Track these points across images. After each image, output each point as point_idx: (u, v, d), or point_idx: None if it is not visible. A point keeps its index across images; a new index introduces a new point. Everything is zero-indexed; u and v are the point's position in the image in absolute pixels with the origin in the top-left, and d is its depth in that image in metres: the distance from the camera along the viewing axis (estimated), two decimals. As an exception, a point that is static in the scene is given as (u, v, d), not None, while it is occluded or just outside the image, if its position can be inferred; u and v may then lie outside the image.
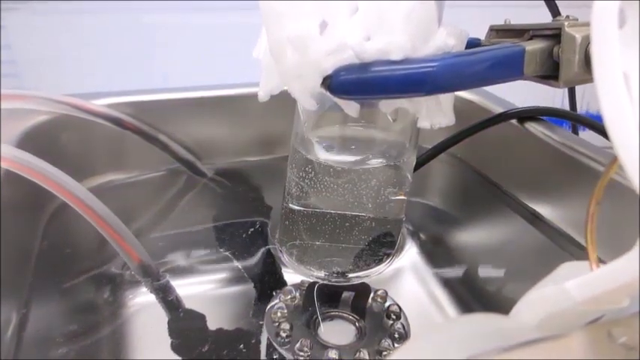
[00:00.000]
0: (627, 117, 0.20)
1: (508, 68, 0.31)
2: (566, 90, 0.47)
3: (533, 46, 0.32)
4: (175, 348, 0.36)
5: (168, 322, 0.38)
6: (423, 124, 0.32)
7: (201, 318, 0.38)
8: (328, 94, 0.29)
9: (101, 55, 0.77)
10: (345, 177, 0.33)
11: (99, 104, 0.43)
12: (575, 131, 0.52)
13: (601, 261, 0.23)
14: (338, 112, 0.31)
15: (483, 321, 0.22)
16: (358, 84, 0.28)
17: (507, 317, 0.23)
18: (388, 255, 0.37)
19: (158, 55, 0.79)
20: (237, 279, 0.44)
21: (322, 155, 0.34)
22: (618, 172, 0.22)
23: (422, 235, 0.51)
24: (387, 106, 0.31)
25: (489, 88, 0.50)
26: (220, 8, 0.76)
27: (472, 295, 0.44)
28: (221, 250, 0.46)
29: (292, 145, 0.35)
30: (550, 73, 0.33)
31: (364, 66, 0.28)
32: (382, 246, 0.36)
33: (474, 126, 0.44)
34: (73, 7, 0.75)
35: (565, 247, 0.40)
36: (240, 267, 0.44)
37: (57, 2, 0.74)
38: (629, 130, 0.20)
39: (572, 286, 0.22)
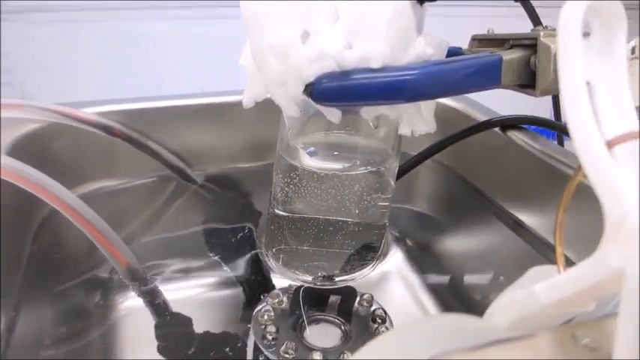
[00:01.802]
0: (589, 125, 0.21)
1: (486, 77, 0.32)
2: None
3: (510, 56, 0.33)
4: (162, 350, 0.36)
5: (155, 326, 0.38)
6: (404, 130, 0.33)
7: (188, 321, 0.39)
8: (310, 101, 0.29)
9: (97, 64, 0.78)
10: (328, 183, 0.34)
11: (89, 112, 0.43)
12: (561, 141, 0.52)
13: (571, 265, 0.24)
14: (321, 119, 0.32)
15: (455, 321, 0.23)
16: (339, 91, 0.29)
17: (480, 318, 0.24)
18: (372, 259, 0.38)
19: (153, 64, 0.80)
20: (225, 283, 0.44)
21: (306, 161, 0.34)
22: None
23: (408, 241, 0.51)
24: (369, 112, 0.32)
25: (473, 96, 0.51)
26: (214, 17, 0.77)
27: (457, 300, 0.45)
28: (210, 255, 0.46)
29: (278, 151, 0.36)
30: (527, 82, 0.34)
31: (345, 74, 0.28)
32: (366, 250, 0.37)
33: (458, 134, 0.44)
34: (70, 17, 0.76)
35: (546, 255, 0.41)
36: (229, 271, 0.45)
37: (54, 13, 0.75)
38: (590, 138, 0.21)
39: (540, 290, 0.23)
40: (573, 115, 0.22)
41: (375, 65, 0.28)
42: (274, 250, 0.38)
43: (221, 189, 0.50)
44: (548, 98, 0.49)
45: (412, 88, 0.29)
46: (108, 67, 0.79)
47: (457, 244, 0.50)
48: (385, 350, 0.19)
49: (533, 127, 0.46)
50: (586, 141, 0.21)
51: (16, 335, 0.32)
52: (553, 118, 0.49)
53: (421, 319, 0.38)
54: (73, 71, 0.78)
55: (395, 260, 0.49)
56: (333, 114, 0.31)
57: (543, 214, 0.42)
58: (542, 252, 0.41)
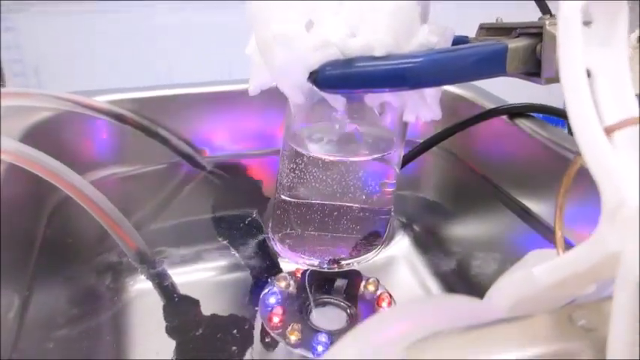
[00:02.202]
0: (588, 111, 0.21)
1: (491, 65, 0.32)
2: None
3: (516, 44, 0.33)
4: (170, 331, 0.37)
5: (164, 307, 0.40)
6: (409, 117, 0.33)
7: (196, 303, 0.40)
8: (315, 88, 0.30)
9: (108, 54, 0.79)
10: (333, 169, 0.35)
11: (100, 100, 0.44)
12: (570, 129, 0.52)
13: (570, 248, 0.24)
14: (326, 107, 0.33)
15: (454, 301, 0.23)
16: (343, 78, 0.29)
17: (479, 300, 0.25)
18: (377, 244, 0.38)
19: (163, 53, 0.81)
20: (233, 267, 0.45)
21: (311, 148, 0.35)
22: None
23: (415, 227, 0.52)
24: (373, 100, 0.32)
25: (480, 84, 0.51)
26: (223, 7, 0.77)
27: (462, 285, 0.46)
28: (219, 239, 0.47)
29: (283, 138, 0.37)
30: (533, 71, 0.34)
31: (349, 61, 0.29)
32: (371, 235, 0.38)
33: (465, 121, 0.45)
34: (83, 8, 0.77)
35: (552, 240, 0.41)
36: (236, 256, 0.46)
37: (66, 2, 0.76)
38: (589, 124, 0.21)
39: (538, 272, 0.23)
40: (573, 101, 0.22)
41: (378, 53, 0.29)
42: (281, 234, 0.38)
43: (229, 175, 0.50)
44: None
45: (415, 75, 0.29)
46: (119, 56, 0.79)
47: (464, 230, 0.50)
48: (384, 326, 0.20)
49: (541, 115, 0.46)
50: (584, 127, 0.21)
51: (30, 314, 0.33)
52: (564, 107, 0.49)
53: (421, 298, 0.39)
54: (85, 61, 0.79)
55: (401, 245, 0.50)
56: (337, 101, 0.31)
57: (550, 202, 0.42)
58: (549, 239, 0.41)
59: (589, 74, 0.23)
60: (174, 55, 0.81)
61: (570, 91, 0.22)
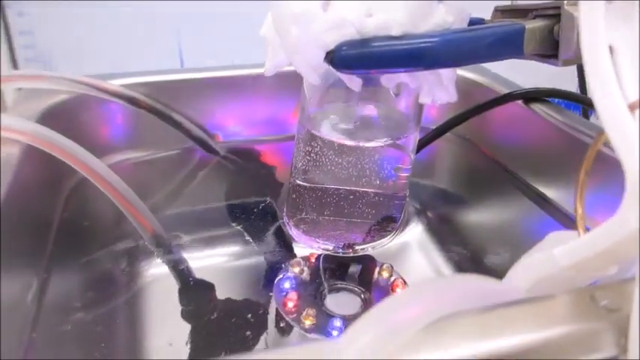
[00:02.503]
0: (611, 88, 0.21)
1: (508, 46, 0.32)
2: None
3: (533, 25, 0.32)
4: (185, 315, 0.38)
5: (179, 291, 0.40)
6: (425, 99, 0.33)
7: (211, 287, 0.40)
8: (331, 68, 0.30)
9: (122, 40, 0.79)
10: (348, 153, 0.34)
11: (115, 84, 0.44)
12: (586, 114, 0.52)
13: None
14: (342, 89, 0.32)
15: (473, 281, 0.23)
16: (359, 58, 0.29)
17: (498, 280, 0.24)
18: (392, 230, 0.38)
19: (175, 38, 0.81)
20: (248, 253, 0.45)
21: (326, 131, 0.35)
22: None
23: (429, 213, 0.51)
24: (389, 80, 0.32)
25: (494, 68, 0.50)
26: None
27: (477, 271, 0.45)
28: (233, 224, 0.47)
29: (299, 121, 0.37)
30: (550, 52, 0.33)
31: (365, 41, 0.29)
32: (386, 221, 0.38)
33: (479, 106, 0.44)
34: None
35: (568, 227, 0.41)
36: (251, 241, 0.46)
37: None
38: (612, 101, 0.21)
39: (558, 253, 0.23)
40: (595, 78, 0.21)
41: (395, 33, 0.28)
42: (295, 219, 0.38)
43: (243, 160, 0.50)
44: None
45: (432, 55, 0.29)
46: (132, 41, 0.79)
47: (479, 217, 0.50)
48: (401, 307, 0.20)
49: (556, 100, 0.45)
50: (608, 103, 0.21)
51: (48, 297, 0.33)
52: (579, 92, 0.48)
53: (439, 278, 0.38)
54: (98, 47, 0.79)
55: (415, 232, 0.49)
56: (353, 82, 0.31)
57: (567, 188, 0.42)
58: (567, 225, 0.41)
59: (611, 51, 0.22)
60: (189, 40, 0.81)
61: (592, 67, 0.22)
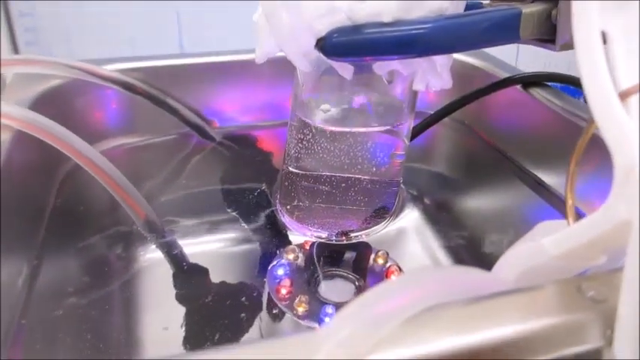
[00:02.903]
0: (601, 75, 0.21)
1: (504, 31, 0.31)
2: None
3: (531, 9, 0.32)
4: (180, 298, 0.38)
5: (173, 275, 0.40)
6: (418, 86, 0.33)
7: (205, 272, 0.40)
8: (322, 56, 0.29)
9: (124, 24, 0.78)
10: (341, 140, 0.34)
11: (110, 69, 0.44)
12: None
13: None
14: (335, 76, 0.32)
15: (461, 272, 0.23)
16: (350, 45, 0.29)
17: (487, 271, 0.24)
18: (386, 217, 0.38)
19: (173, 23, 0.80)
20: (243, 239, 0.45)
21: (319, 118, 0.34)
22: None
23: (425, 200, 0.51)
24: (382, 68, 0.32)
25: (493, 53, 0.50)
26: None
27: (473, 259, 0.45)
28: (228, 211, 0.47)
29: (291, 108, 0.36)
30: (548, 37, 0.33)
31: (356, 28, 0.28)
32: (380, 208, 0.37)
33: (478, 91, 0.44)
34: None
35: (565, 212, 0.40)
36: (246, 227, 0.46)
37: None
38: (602, 88, 0.20)
39: (548, 242, 0.23)
40: (586, 64, 0.21)
41: (386, 19, 0.28)
42: (289, 206, 0.38)
43: (239, 147, 0.50)
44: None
45: (424, 42, 0.28)
46: (131, 25, 0.79)
47: (475, 203, 0.49)
48: (387, 296, 0.20)
49: (557, 85, 0.45)
50: (598, 90, 0.21)
51: (40, 282, 0.33)
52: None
53: (426, 269, 0.38)
54: (99, 31, 0.78)
55: (411, 218, 0.49)
56: (345, 69, 0.31)
57: (565, 173, 0.41)
58: (563, 211, 0.41)
59: (604, 39, 0.22)
60: (190, 25, 0.80)
61: (584, 55, 0.21)
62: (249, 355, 0.18)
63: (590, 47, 0.21)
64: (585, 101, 0.48)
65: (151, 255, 0.42)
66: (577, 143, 0.25)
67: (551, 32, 0.33)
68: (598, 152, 0.35)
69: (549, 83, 0.44)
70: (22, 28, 0.76)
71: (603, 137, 0.20)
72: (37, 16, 0.76)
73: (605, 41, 0.22)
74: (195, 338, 0.36)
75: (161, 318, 0.37)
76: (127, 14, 0.77)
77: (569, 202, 0.24)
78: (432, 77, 0.32)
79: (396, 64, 0.31)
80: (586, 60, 0.21)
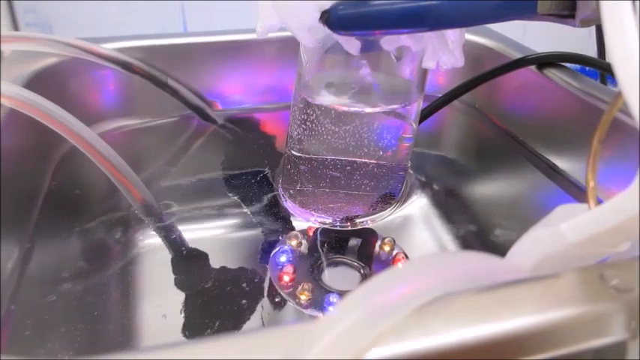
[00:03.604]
0: (632, 46, 0.19)
1: (520, 5, 0.30)
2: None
3: (549, -19, 0.30)
4: (179, 284, 0.36)
5: (172, 260, 0.39)
6: (428, 64, 0.31)
7: (205, 257, 0.39)
8: (327, 30, 0.28)
9: (124, 4, 0.77)
10: (346, 120, 0.32)
11: (109, 48, 0.42)
12: (604, 80, 0.49)
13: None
14: (340, 54, 0.31)
15: (474, 259, 0.21)
16: (357, 18, 0.27)
17: (501, 258, 0.23)
18: (392, 202, 0.37)
19: (180, 4, 0.78)
20: (245, 224, 0.44)
21: (323, 98, 0.33)
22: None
23: (434, 186, 0.50)
24: (390, 43, 0.30)
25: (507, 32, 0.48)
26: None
27: (483, 247, 0.44)
28: (230, 195, 0.46)
29: (295, 87, 0.35)
30: (567, 12, 0.31)
31: (363, -1, 0.27)
32: (386, 193, 0.36)
33: (489, 72, 0.42)
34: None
35: (581, 200, 0.39)
36: (248, 212, 0.44)
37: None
38: (632, 61, 0.19)
39: (566, 228, 0.21)
40: (614, 36, 0.19)
41: (395, -10, 0.26)
42: (291, 191, 0.37)
43: (242, 130, 0.49)
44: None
45: (436, 14, 0.27)
46: (136, 5, 0.77)
47: (486, 190, 0.48)
48: (393, 284, 0.18)
49: (573, 65, 0.43)
50: (627, 64, 0.19)
51: (33, 266, 0.32)
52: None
53: (438, 254, 0.37)
54: (99, 10, 0.77)
55: (419, 205, 0.48)
56: (351, 44, 0.29)
57: (581, 159, 0.40)
58: (578, 198, 0.39)
59: (635, 8, 0.20)
60: (193, 4, 0.79)
61: (612, 24, 0.19)
62: (246, 343, 0.17)
63: (619, 16, 0.19)
64: (603, 82, 0.46)
65: (150, 240, 0.41)
66: (601, 119, 0.23)
67: (570, 7, 0.31)
68: (618, 135, 0.33)
69: (565, 64, 0.42)
70: (23, 10, 0.74)
71: (633, 117, 0.19)
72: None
73: (634, 11, 0.20)
74: (194, 325, 0.35)
75: (160, 305, 0.36)
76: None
77: (591, 183, 0.22)
78: (443, 54, 0.31)
79: (405, 40, 0.30)
80: (614, 32, 0.19)
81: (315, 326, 0.16)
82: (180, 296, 0.36)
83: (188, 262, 0.39)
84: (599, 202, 0.23)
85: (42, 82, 0.40)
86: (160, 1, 0.76)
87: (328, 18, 0.27)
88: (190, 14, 0.78)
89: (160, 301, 0.36)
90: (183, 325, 0.35)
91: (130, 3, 0.76)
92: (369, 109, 0.33)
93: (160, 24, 0.77)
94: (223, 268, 0.38)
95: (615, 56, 0.19)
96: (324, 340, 0.16)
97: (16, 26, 0.75)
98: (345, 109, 0.33)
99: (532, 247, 0.23)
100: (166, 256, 0.40)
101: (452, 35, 0.31)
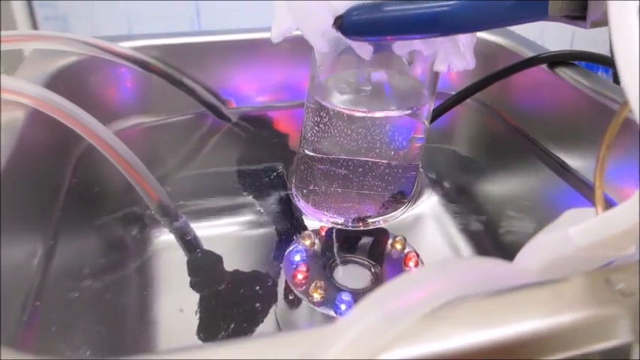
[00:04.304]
0: (637, 55, 0.19)
1: (531, 8, 0.30)
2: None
3: (560, -16, 0.30)
4: (194, 285, 0.37)
5: (187, 261, 0.39)
6: (440, 67, 0.31)
7: (219, 259, 0.40)
8: (341, 35, 0.28)
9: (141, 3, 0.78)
10: (358, 123, 0.33)
11: (126, 47, 0.43)
12: (617, 79, 0.49)
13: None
14: (353, 57, 0.31)
15: (483, 264, 0.22)
16: (370, 24, 0.27)
17: (509, 262, 0.23)
18: (404, 202, 0.37)
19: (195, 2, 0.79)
20: (258, 223, 0.45)
21: (336, 100, 0.33)
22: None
23: (445, 184, 0.50)
24: (402, 48, 0.31)
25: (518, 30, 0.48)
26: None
27: (494, 246, 0.44)
28: (244, 194, 0.47)
29: (308, 89, 0.35)
30: (578, 13, 0.31)
31: (377, 5, 0.27)
32: (398, 192, 0.36)
33: (502, 71, 0.42)
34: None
35: (592, 199, 0.39)
36: (262, 211, 0.45)
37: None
38: (638, 66, 0.19)
39: (574, 232, 0.21)
40: (621, 42, 0.20)
41: (407, -4, 0.27)
42: (304, 191, 0.37)
43: (255, 128, 0.49)
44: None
45: (448, 20, 0.27)
46: (149, 4, 0.78)
47: (497, 188, 0.48)
48: (406, 290, 0.19)
49: (584, 63, 0.43)
50: (633, 70, 0.19)
51: (56, 263, 0.33)
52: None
53: (448, 260, 0.37)
54: (118, 6, 0.77)
55: (430, 203, 0.48)
56: (364, 49, 0.30)
57: (592, 157, 0.40)
58: (590, 197, 0.39)
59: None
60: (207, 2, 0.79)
61: (619, 31, 0.20)
62: (263, 348, 0.17)
63: (626, 23, 0.20)
64: (615, 81, 0.47)
65: (166, 237, 0.42)
66: (608, 126, 0.23)
67: (581, 8, 0.31)
68: (629, 136, 0.33)
69: (577, 62, 0.42)
70: (40, 3, 0.75)
71: (635, 116, 0.19)
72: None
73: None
74: (211, 324, 0.36)
75: (176, 303, 0.37)
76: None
77: (598, 190, 0.23)
78: (454, 57, 0.31)
79: (417, 44, 0.30)
80: (621, 37, 0.20)
81: (330, 330, 0.17)
82: (196, 297, 0.37)
83: (203, 263, 0.39)
84: (608, 201, 0.23)
85: (63, 80, 0.41)
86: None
87: (342, 24, 0.28)
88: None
89: (177, 300, 0.37)
90: (199, 326, 0.36)
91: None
92: (381, 112, 0.33)
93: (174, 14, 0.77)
94: (237, 269, 0.39)
95: (621, 66, 0.19)
96: (339, 344, 0.17)
97: (33, 19, 0.76)
98: (357, 111, 0.33)
99: (540, 251, 0.23)
100: (182, 254, 0.41)
101: (463, 38, 0.31)
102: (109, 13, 0.76)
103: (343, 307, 0.35)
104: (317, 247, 0.40)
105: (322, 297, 0.35)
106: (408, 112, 0.34)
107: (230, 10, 0.76)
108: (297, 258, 0.39)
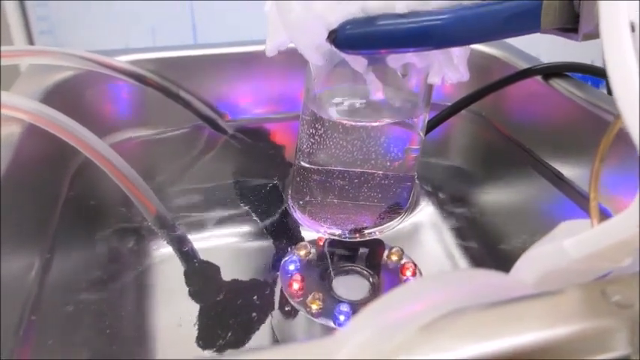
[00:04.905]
0: (630, 68, 0.19)
1: (524, 21, 0.30)
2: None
3: (552, -3, 0.30)
4: (192, 295, 0.37)
5: (185, 273, 0.39)
6: (434, 79, 0.32)
7: (216, 269, 0.40)
8: (335, 49, 0.28)
9: (134, 13, 0.78)
10: (354, 134, 0.33)
11: (122, 60, 0.43)
12: (610, 90, 0.49)
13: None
14: (347, 69, 0.31)
15: (479, 276, 0.22)
16: (364, 38, 0.28)
17: (505, 274, 0.23)
18: (400, 213, 0.37)
19: (186, 14, 0.79)
20: (255, 234, 0.45)
21: (331, 112, 0.34)
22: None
23: (441, 195, 0.50)
24: (396, 61, 0.31)
25: (513, 42, 0.48)
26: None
27: (490, 256, 0.44)
28: (240, 205, 0.47)
29: (303, 101, 0.35)
30: (570, 26, 0.31)
31: (370, 19, 0.27)
32: (394, 203, 0.36)
33: (496, 82, 0.43)
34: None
35: (585, 208, 0.39)
36: (258, 222, 0.45)
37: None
38: (630, 82, 0.19)
39: (569, 244, 0.22)
40: (613, 57, 0.20)
41: (400, 10, 0.27)
42: (301, 202, 0.38)
43: (252, 140, 0.49)
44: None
45: (441, 34, 0.27)
46: (144, 15, 0.78)
47: (493, 198, 0.48)
48: (402, 302, 0.19)
49: (579, 75, 0.43)
50: (625, 84, 0.19)
51: (52, 277, 0.33)
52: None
53: (444, 272, 0.37)
54: (114, 21, 0.78)
55: (426, 214, 0.48)
56: (358, 62, 0.30)
57: (587, 168, 0.40)
58: (583, 206, 0.40)
59: (633, 29, 0.21)
60: (204, 16, 0.80)
61: (611, 46, 0.20)
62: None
63: (618, 38, 0.20)
64: (609, 93, 0.47)
65: (164, 250, 0.42)
66: (602, 139, 0.23)
67: (573, 21, 0.31)
68: (624, 145, 0.34)
69: (571, 74, 0.43)
70: (36, 17, 0.75)
71: (629, 132, 0.19)
72: (51, 5, 0.76)
73: (632, 31, 0.21)
74: (209, 335, 0.35)
75: (174, 315, 0.37)
76: (143, 5, 0.77)
77: (593, 202, 0.23)
78: (448, 70, 0.31)
79: (410, 57, 0.30)
80: (613, 52, 0.20)
81: (329, 341, 0.17)
82: (195, 307, 0.37)
83: (200, 274, 0.39)
84: (603, 211, 0.23)
85: (59, 95, 0.41)
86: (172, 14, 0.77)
87: (336, 37, 0.28)
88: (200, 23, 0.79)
89: (175, 312, 0.37)
90: (197, 336, 0.36)
91: (144, 10, 0.77)
92: (375, 123, 0.34)
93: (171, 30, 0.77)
94: (234, 280, 0.39)
95: (614, 81, 0.20)
96: (338, 355, 0.17)
97: (29, 34, 0.76)
98: (353, 123, 0.33)
99: (535, 263, 0.23)
100: (179, 265, 0.41)
101: (456, 51, 0.31)
102: (104, 28, 0.77)
103: (342, 317, 0.35)
104: (313, 257, 0.40)
105: (320, 308, 0.35)
106: (403, 122, 0.34)
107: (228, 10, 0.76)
108: (293, 268, 0.39)
